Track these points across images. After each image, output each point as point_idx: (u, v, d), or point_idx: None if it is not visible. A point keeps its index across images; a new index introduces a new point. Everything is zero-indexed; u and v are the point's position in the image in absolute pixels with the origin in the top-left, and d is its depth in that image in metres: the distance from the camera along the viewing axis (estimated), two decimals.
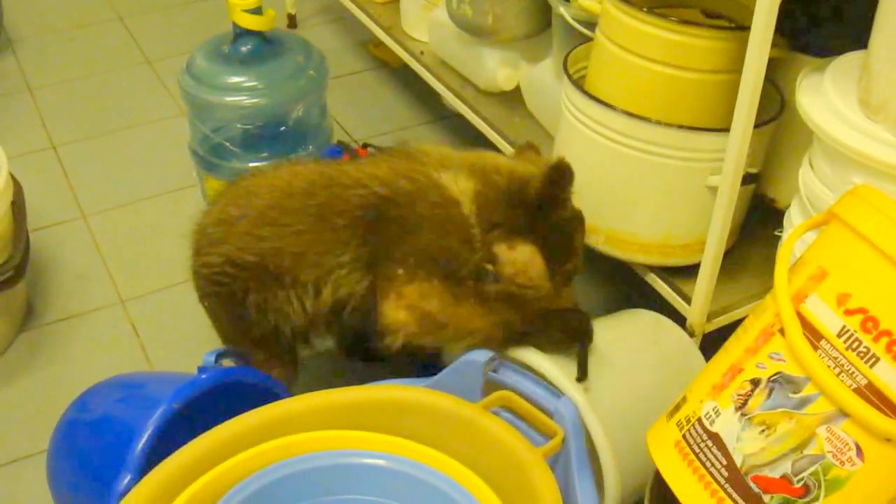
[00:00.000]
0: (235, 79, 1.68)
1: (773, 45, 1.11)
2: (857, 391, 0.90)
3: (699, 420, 1.00)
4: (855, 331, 0.90)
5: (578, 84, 1.38)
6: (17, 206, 1.57)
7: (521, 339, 1.18)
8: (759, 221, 1.42)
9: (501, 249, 1.20)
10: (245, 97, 1.67)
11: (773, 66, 1.20)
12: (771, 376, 0.95)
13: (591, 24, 1.42)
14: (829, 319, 0.92)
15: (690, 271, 1.35)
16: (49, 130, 2.14)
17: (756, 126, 1.17)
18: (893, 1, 1.03)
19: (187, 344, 1.58)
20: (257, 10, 1.65)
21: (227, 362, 1.26)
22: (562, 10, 1.50)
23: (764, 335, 0.97)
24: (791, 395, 0.93)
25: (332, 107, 1.87)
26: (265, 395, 1.20)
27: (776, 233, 1.26)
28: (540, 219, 1.21)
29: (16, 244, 1.54)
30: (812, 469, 0.92)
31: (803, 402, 0.92)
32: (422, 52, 1.93)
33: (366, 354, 1.53)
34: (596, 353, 1.19)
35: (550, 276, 1.23)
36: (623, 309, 1.38)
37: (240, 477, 1.00)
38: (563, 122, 1.41)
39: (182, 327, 1.61)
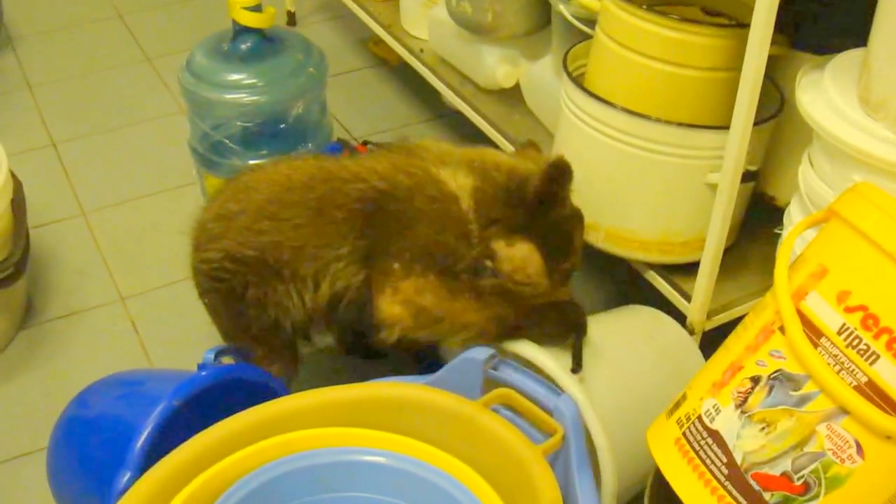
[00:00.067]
0: (235, 76, 1.68)
1: (773, 42, 1.11)
2: (858, 389, 0.90)
3: (699, 418, 1.00)
4: (855, 328, 0.90)
5: (578, 81, 1.38)
6: (17, 204, 1.57)
7: (516, 333, 1.18)
8: (758, 219, 1.42)
9: (500, 246, 1.20)
10: (245, 95, 1.67)
11: (772, 63, 1.20)
12: (771, 374, 0.95)
13: (591, 22, 1.42)
14: (829, 317, 0.92)
15: (690, 269, 1.35)
16: (49, 128, 2.14)
17: (756, 124, 1.18)
18: None
19: (187, 341, 1.58)
20: (257, 8, 1.65)
21: (227, 360, 1.26)
22: (561, 7, 1.50)
23: (764, 333, 0.97)
24: (791, 392, 0.93)
25: (331, 104, 1.87)
26: (265, 393, 1.20)
27: (776, 230, 1.26)
28: (539, 216, 1.21)
29: (16, 241, 1.54)
30: (812, 467, 0.92)
31: (803, 400, 0.92)
32: (421, 50, 1.93)
33: (366, 352, 1.53)
34: (591, 346, 1.19)
35: (549, 273, 1.23)
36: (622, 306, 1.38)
37: (240, 474, 1.00)
38: (563, 119, 1.41)
39: (182, 324, 1.62)
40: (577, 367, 1.15)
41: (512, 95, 1.76)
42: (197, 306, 1.37)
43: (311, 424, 1.06)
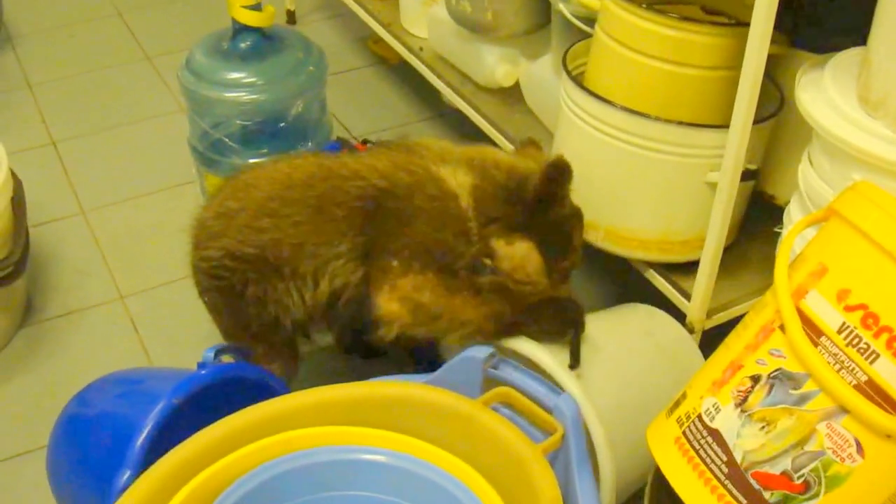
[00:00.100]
0: (235, 75, 1.68)
1: (773, 41, 1.11)
2: (858, 387, 0.90)
3: (699, 416, 1.00)
4: (855, 327, 0.90)
5: (578, 80, 1.38)
6: (17, 202, 1.57)
7: (514, 330, 1.18)
8: (758, 218, 1.42)
9: (499, 244, 1.20)
10: (244, 93, 1.67)
11: (772, 62, 1.20)
12: (771, 373, 0.95)
13: (591, 21, 1.42)
14: (829, 316, 0.92)
15: (690, 268, 1.35)
16: (49, 126, 2.14)
17: (755, 122, 1.18)
18: None
19: (187, 340, 1.58)
20: (257, 7, 1.65)
21: (227, 358, 1.26)
22: (561, 6, 1.50)
23: (764, 331, 0.97)
24: (791, 391, 0.93)
25: (331, 103, 1.87)
26: (264, 392, 1.20)
27: (776, 229, 1.25)
28: (538, 215, 1.21)
29: (15, 240, 1.54)
30: (812, 465, 0.92)
31: (803, 399, 0.92)
32: (421, 49, 1.93)
33: (365, 350, 1.53)
34: (589, 343, 1.19)
35: (548, 272, 1.23)
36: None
37: (239, 473, 1.00)
38: (563, 118, 1.41)
39: (181, 323, 1.61)
40: (574, 363, 1.16)
41: (511, 94, 1.76)
42: (197, 305, 1.37)
43: (310, 423, 1.06)
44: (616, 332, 1.29)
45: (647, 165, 1.31)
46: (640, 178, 1.33)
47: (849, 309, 0.91)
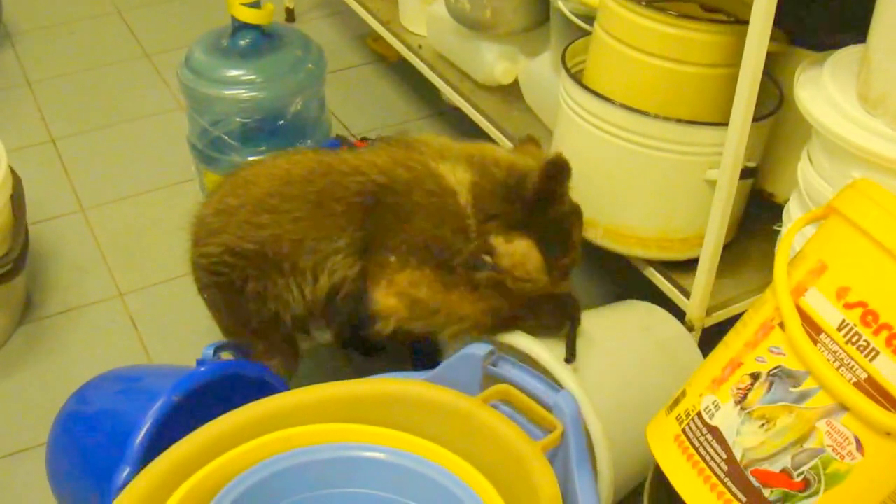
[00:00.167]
0: (234, 72, 1.68)
1: (772, 38, 1.11)
2: (857, 385, 0.90)
3: (699, 414, 1.00)
4: (854, 324, 0.90)
5: (577, 78, 1.38)
6: (16, 200, 1.57)
7: (511, 325, 1.19)
8: (758, 216, 1.42)
9: (498, 242, 1.20)
10: (244, 91, 1.67)
11: (771, 60, 1.20)
12: (771, 370, 0.95)
13: (590, 18, 1.42)
14: (828, 313, 0.92)
15: (689, 265, 1.35)
16: (48, 124, 2.14)
17: (755, 120, 1.18)
18: None
19: (186, 337, 1.58)
20: (256, 4, 1.65)
21: (226, 355, 1.26)
22: (560, 4, 1.50)
23: (763, 329, 0.97)
24: (791, 388, 0.93)
25: (330, 101, 1.87)
26: (264, 389, 1.20)
27: (775, 227, 1.26)
28: (537, 213, 1.21)
29: (15, 237, 1.54)
30: (812, 463, 0.92)
31: (803, 396, 0.92)
32: (420, 46, 1.93)
33: (365, 348, 1.53)
34: (587, 339, 1.20)
35: (548, 270, 1.23)
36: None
37: (239, 470, 1.00)
38: (562, 115, 1.41)
39: (181, 320, 1.61)
40: (570, 357, 1.16)
41: (510, 92, 1.76)
42: (196, 302, 1.37)
43: (310, 420, 1.06)
44: (615, 329, 1.30)
45: (647, 163, 1.31)
46: (640, 175, 1.33)
47: (848, 306, 0.91)
